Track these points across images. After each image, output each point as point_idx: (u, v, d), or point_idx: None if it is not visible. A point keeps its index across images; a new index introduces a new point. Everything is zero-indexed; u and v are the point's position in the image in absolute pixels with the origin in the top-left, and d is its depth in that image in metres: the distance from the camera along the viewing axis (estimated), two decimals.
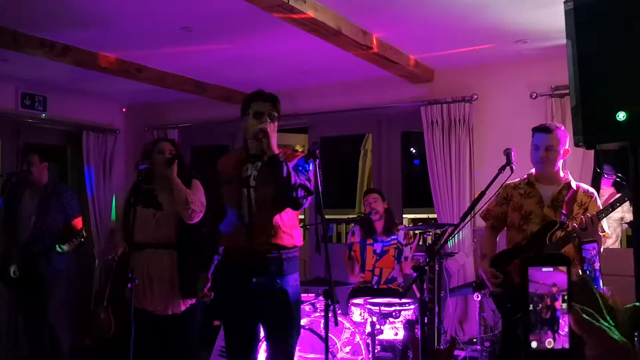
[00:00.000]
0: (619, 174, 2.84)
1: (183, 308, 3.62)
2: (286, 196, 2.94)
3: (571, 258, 3.21)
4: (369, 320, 4.08)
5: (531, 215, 3.35)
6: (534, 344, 0.90)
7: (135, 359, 3.32)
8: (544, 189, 3.38)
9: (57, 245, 4.48)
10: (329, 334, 3.12)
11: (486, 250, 3.53)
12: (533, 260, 0.92)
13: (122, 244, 3.91)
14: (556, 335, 0.90)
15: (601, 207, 3.35)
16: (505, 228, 3.52)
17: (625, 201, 3.21)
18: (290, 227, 3.07)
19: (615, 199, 3.29)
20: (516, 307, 3.20)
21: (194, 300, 3.65)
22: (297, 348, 3.17)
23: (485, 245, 3.56)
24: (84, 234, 4.62)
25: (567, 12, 1.85)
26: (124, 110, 6.99)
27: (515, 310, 3.22)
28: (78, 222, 4.66)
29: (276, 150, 2.94)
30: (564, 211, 3.30)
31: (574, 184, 3.39)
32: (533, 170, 3.46)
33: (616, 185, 5.01)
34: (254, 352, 3.13)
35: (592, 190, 3.43)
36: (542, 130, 3.37)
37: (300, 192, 2.94)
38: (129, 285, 3.26)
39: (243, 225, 3.03)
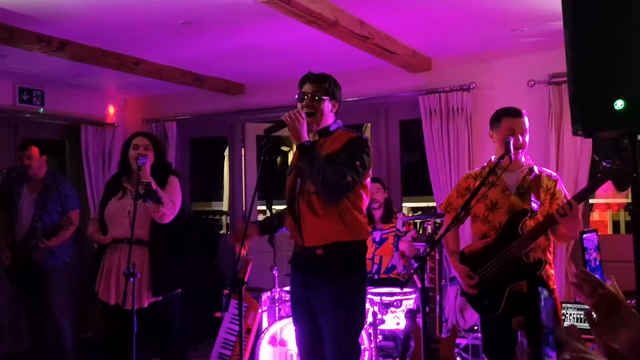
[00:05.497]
0: (610, 160, 2.77)
1: (146, 303, 3.54)
2: (318, 186, 2.75)
3: (543, 247, 3.11)
4: (371, 310, 4.10)
5: (497, 205, 3.15)
6: None
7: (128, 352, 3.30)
8: (507, 177, 3.16)
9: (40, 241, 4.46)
10: None
11: (453, 246, 3.33)
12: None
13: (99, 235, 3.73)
14: None
15: (566, 192, 3.20)
16: (466, 219, 3.32)
17: (602, 184, 2.94)
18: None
19: (592, 182, 3.13)
20: (494, 304, 3.08)
21: (159, 297, 3.58)
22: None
23: (450, 241, 3.33)
24: (76, 224, 4.63)
25: (564, 1, 1.85)
26: (122, 103, 6.98)
27: (493, 307, 3.09)
28: (75, 215, 4.67)
29: (305, 137, 2.77)
30: (533, 197, 3.10)
31: (536, 168, 3.21)
32: (493, 158, 3.28)
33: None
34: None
35: (555, 174, 3.26)
36: (515, 114, 3.16)
37: (334, 179, 2.71)
38: (131, 279, 3.24)
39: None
